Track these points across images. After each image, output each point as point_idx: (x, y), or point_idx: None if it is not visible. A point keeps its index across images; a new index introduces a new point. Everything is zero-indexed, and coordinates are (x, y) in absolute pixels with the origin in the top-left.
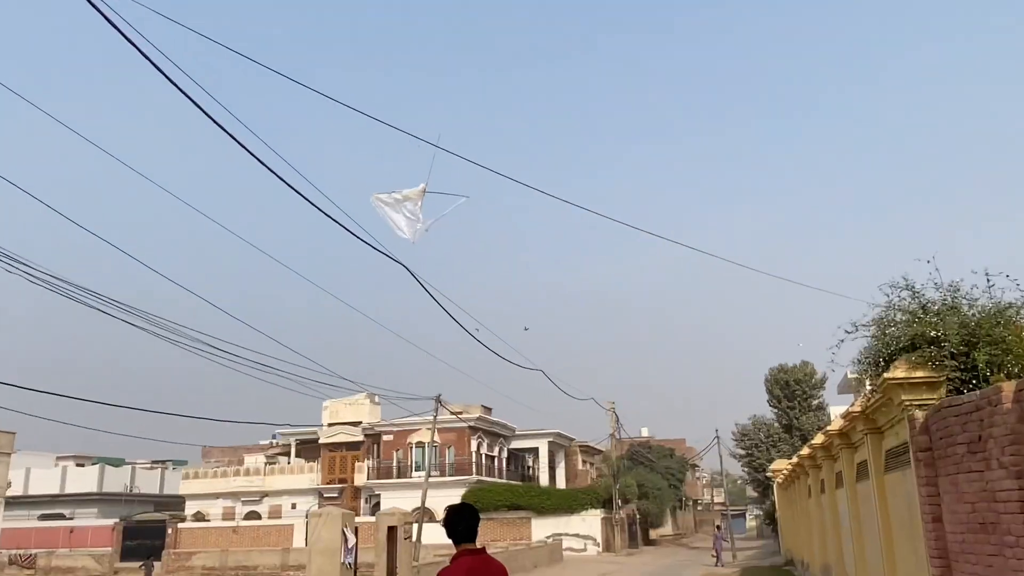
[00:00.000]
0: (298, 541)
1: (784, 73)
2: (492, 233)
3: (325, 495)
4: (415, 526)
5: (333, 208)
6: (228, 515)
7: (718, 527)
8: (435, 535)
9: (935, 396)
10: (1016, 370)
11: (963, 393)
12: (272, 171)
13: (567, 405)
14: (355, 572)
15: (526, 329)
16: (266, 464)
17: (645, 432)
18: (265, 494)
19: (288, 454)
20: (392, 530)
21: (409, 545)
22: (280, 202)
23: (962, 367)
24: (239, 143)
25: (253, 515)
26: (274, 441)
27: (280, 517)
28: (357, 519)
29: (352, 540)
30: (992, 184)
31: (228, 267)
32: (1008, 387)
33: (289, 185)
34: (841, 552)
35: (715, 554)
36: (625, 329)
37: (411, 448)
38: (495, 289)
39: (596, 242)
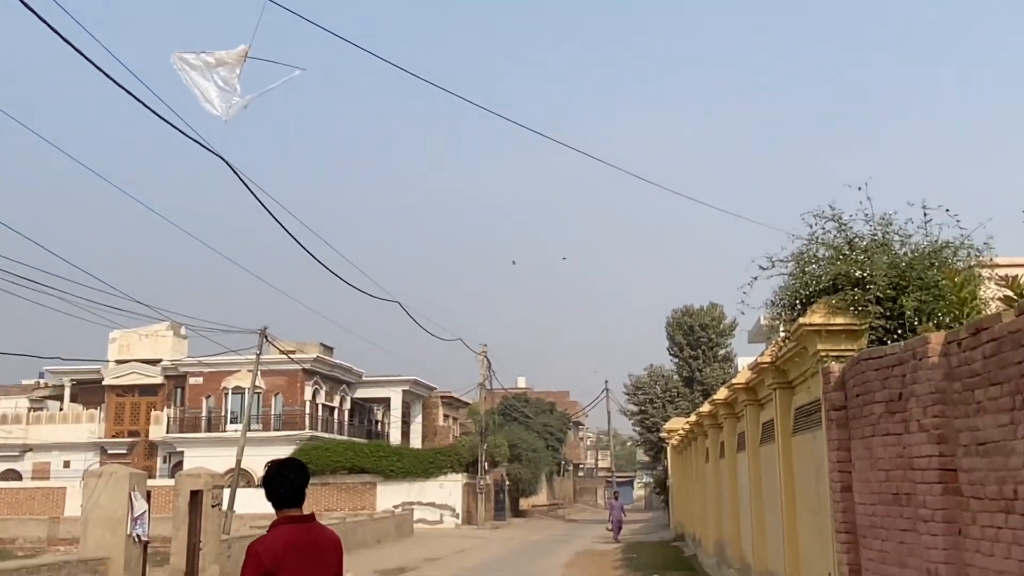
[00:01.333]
0: (72, 508)
1: None
2: (352, 128)
3: (110, 451)
4: (227, 491)
5: (135, 84)
6: None
7: (616, 495)
8: (254, 503)
9: (855, 347)
10: (947, 319)
11: (887, 344)
12: (51, 27)
13: (429, 349)
14: (145, 547)
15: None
16: (30, 410)
17: (522, 383)
18: (28, 448)
19: (60, 398)
20: (196, 495)
21: (218, 514)
22: (57, 68)
23: (888, 314)
24: None
25: (11, 475)
26: (41, 381)
27: (48, 478)
28: (152, 482)
29: (142, 507)
30: (941, 107)
31: None
32: (936, 338)
33: (60, 36)
34: (738, 526)
35: (611, 527)
36: (504, 261)
37: (226, 394)
38: (348, 203)
39: (473, 146)
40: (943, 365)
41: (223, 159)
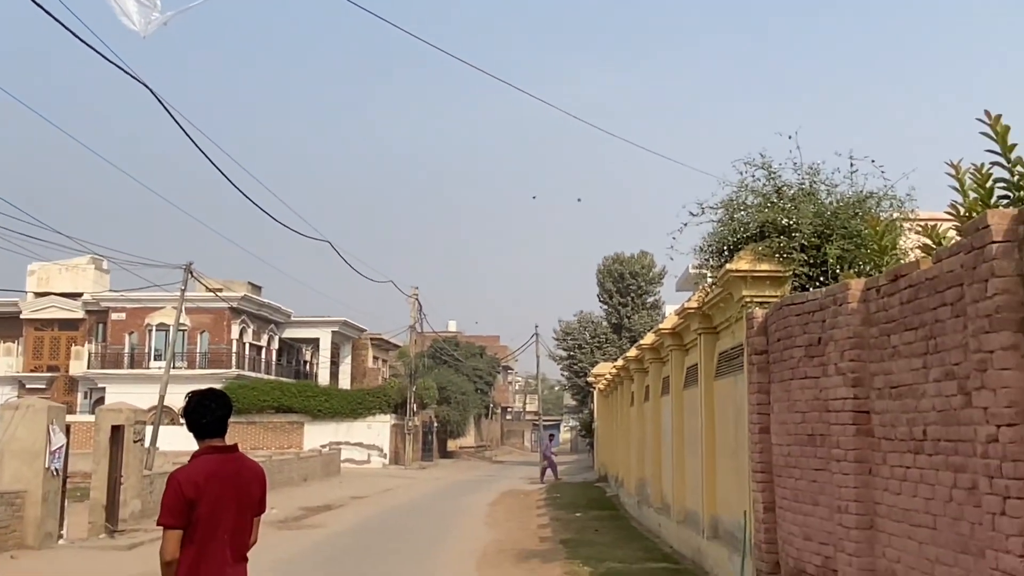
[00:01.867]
0: None
1: None
2: (287, 65)
3: (28, 385)
4: (149, 427)
5: None
6: None
7: (551, 436)
8: (177, 440)
9: (779, 293)
10: (868, 268)
11: (809, 291)
12: None
13: (360, 290)
14: (64, 481)
15: (579, 200)
16: None
17: (453, 326)
18: None
19: None
20: (117, 431)
21: (140, 450)
22: None
23: (812, 262)
24: None
25: None
26: None
27: None
28: (72, 417)
29: (60, 440)
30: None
31: None
32: (856, 285)
33: None
34: (660, 467)
35: (545, 467)
36: (435, 202)
37: (150, 331)
38: (281, 142)
39: (409, 87)
40: (861, 311)
41: (146, 85)
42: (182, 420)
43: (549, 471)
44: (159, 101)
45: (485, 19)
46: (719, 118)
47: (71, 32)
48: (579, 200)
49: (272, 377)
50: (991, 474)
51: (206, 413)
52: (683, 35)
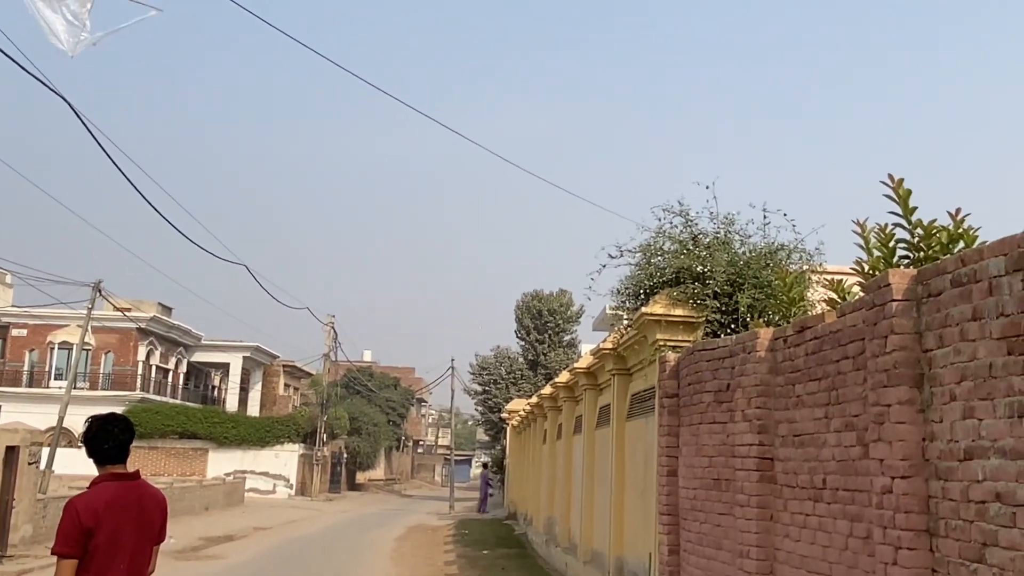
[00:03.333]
0: None
1: None
2: (214, 83)
3: None
4: (46, 449)
5: None
6: None
7: (485, 465)
8: (75, 463)
9: (692, 338)
10: (777, 318)
11: (720, 337)
12: None
13: (275, 316)
14: None
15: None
16: None
17: (368, 356)
18: None
19: None
20: (12, 452)
21: (35, 472)
22: None
23: (724, 309)
24: None
25: None
26: None
27: None
28: None
29: None
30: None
31: None
32: (765, 334)
33: None
34: (569, 506)
35: (483, 498)
36: (355, 232)
37: (52, 349)
38: (200, 162)
39: (333, 114)
40: (769, 360)
41: (63, 97)
42: (81, 444)
43: (487, 498)
44: (75, 112)
45: (416, 55)
46: (639, 164)
47: None
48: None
49: (178, 401)
50: (885, 524)
51: (108, 438)
52: (609, 78)
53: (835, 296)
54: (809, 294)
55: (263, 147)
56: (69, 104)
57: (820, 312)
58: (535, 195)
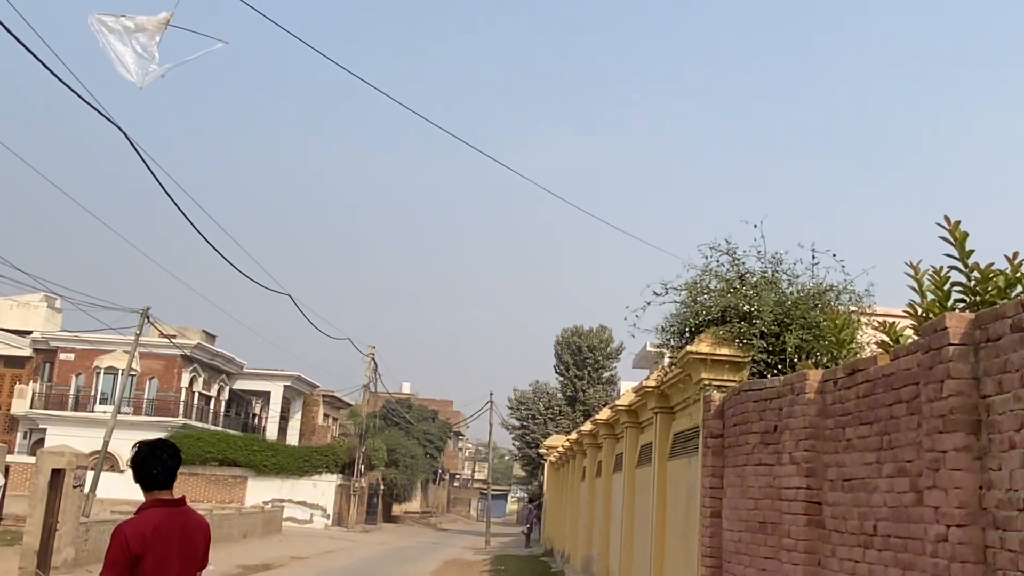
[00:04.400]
0: None
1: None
2: (258, 114)
3: None
4: (90, 473)
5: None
6: None
7: (531, 499)
8: (118, 487)
9: (737, 378)
10: (825, 359)
11: (767, 377)
12: None
13: (315, 346)
14: None
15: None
16: None
17: (407, 388)
18: None
19: None
20: (58, 474)
21: (78, 496)
22: None
23: (771, 349)
24: None
25: None
26: None
27: None
28: (10, 457)
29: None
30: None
31: None
32: (814, 376)
33: None
34: (608, 545)
35: (525, 532)
36: (397, 264)
37: (98, 374)
38: (247, 193)
39: (372, 137)
40: (818, 402)
41: (118, 126)
42: (126, 469)
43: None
44: (131, 143)
45: (455, 84)
46: (686, 199)
47: (45, 65)
48: None
49: (219, 428)
50: (939, 574)
51: (157, 464)
52: (659, 113)
53: (887, 339)
54: (859, 336)
55: (307, 178)
56: (126, 135)
57: (871, 355)
58: (576, 229)
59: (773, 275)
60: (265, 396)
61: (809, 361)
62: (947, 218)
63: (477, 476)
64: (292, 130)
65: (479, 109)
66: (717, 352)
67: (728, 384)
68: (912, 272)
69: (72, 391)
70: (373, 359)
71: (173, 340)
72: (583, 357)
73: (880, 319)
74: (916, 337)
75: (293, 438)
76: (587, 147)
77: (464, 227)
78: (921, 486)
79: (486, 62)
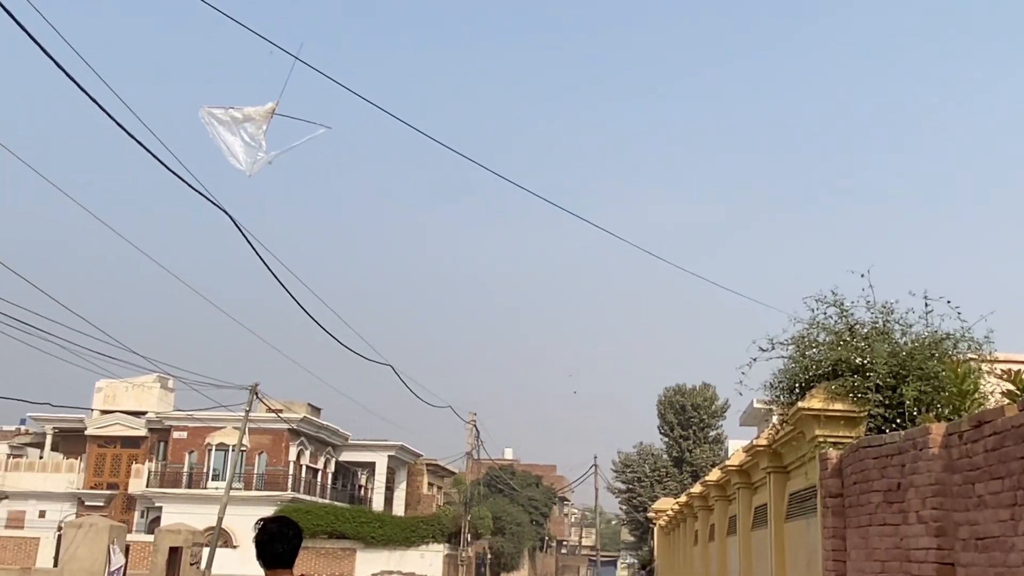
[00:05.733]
0: (44, 559)
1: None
2: (355, 188)
3: (87, 503)
4: (206, 550)
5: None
6: None
7: (643, 566)
8: (231, 563)
9: (853, 434)
10: (946, 411)
11: (885, 432)
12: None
13: (416, 414)
14: None
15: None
16: (9, 456)
17: (509, 454)
18: (4, 496)
19: (41, 445)
20: (175, 552)
21: (195, 573)
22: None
23: (887, 402)
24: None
25: None
26: (23, 427)
27: (23, 527)
28: (129, 536)
29: (120, 561)
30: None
31: None
32: (937, 429)
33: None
34: None
35: None
36: (496, 328)
37: (210, 451)
38: (346, 265)
39: (469, 210)
40: (943, 456)
41: (227, 212)
42: (239, 545)
43: None
44: (236, 226)
45: (542, 149)
46: (787, 252)
47: (153, 155)
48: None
49: (327, 501)
50: None
51: (284, 541)
52: (752, 171)
53: (1013, 387)
54: (982, 385)
55: (404, 247)
56: (231, 218)
57: (997, 405)
58: (674, 287)
59: (885, 325)
60: (370, 467)
61: (930, 414)
62: None
63: (584, 542)
64: (403, 206)
65: (565, 169)
66: (831, 408)
67: (844, 441)
68: None
69: (185, 468)
70: (475, 426)
71: (280, 415)
72: (687, 416)
73: (1003, 367)
74: None
75: (399, 508)
76: (682, 207)
77: (563, 290)
78: None
79: (577, 130)
